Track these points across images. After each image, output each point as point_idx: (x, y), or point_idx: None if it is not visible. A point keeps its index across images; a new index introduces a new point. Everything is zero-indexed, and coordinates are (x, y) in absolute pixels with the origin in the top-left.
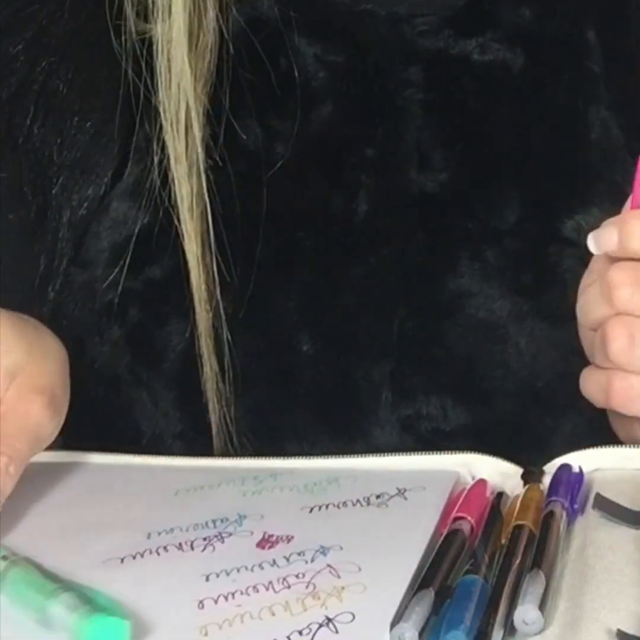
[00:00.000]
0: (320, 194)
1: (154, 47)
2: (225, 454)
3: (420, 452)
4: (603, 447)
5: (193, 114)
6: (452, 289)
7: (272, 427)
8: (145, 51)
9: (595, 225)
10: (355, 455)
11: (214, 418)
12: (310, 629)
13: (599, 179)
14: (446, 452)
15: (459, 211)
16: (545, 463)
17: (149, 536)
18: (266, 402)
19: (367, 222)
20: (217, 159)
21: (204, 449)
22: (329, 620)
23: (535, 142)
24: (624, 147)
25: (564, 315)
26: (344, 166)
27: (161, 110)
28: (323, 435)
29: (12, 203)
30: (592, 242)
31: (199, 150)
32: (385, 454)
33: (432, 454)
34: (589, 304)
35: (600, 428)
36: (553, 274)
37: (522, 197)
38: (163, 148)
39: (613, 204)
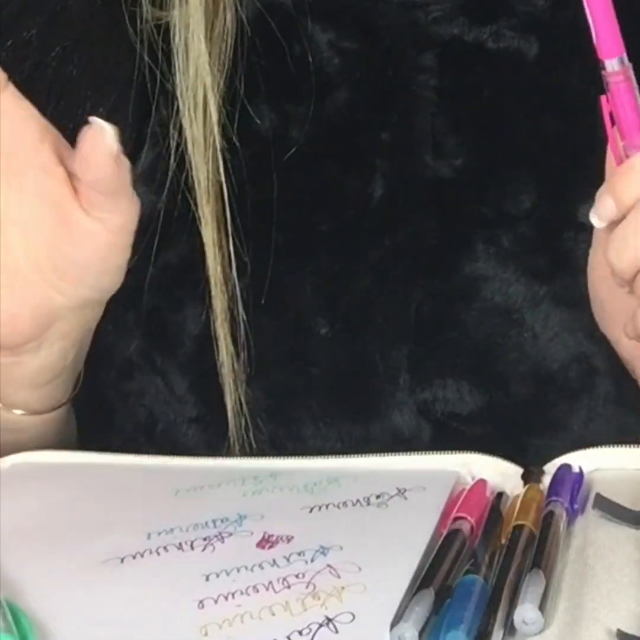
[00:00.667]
0: (335, 178)
1: (171, 32)
2: (240, 437)
3: (420, 452)
4: (603, 447)
5: (210, 97)
6: (468, 273)
7: (288, 410)
8: (160, 37)
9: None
10: (355, 455)
11: (229, 402)
12: (310, 629)
13: None
14: (446, 452)
15: (474, 196)
16: (560, 446)
17: (149, 536)
18: (283, 385)
19: (382, 206)
20: (236, 141)
21: (220, 434)
22: (329, 620)
23: (549, 128)
24: None
25: (578, 300)
26: (358, 150)
27: (178, 93)
28: (340, 418)
29: None
30: (595, 218)
31: (216, 133)
32: (385, 454)
33: (432, 454)
34: (620, 250)
35: (615, 411)
36: (568, 259)
37: (537, 183)
38: (180, 132)
39: None
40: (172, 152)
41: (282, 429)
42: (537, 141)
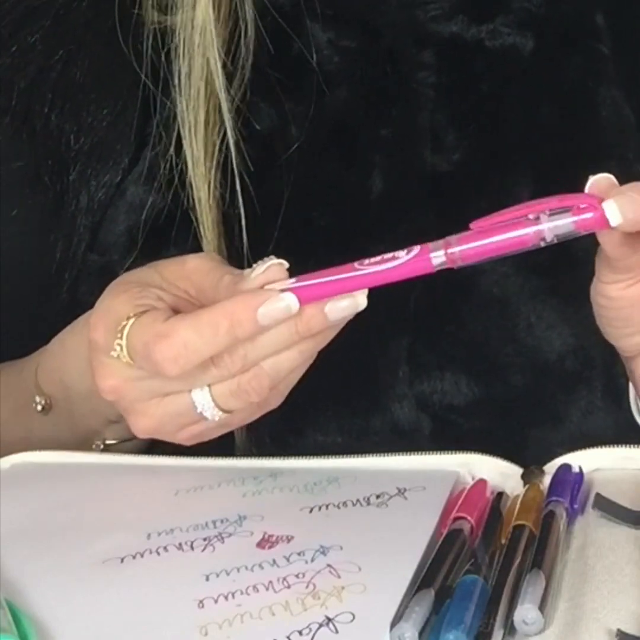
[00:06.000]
0: (335, 174)
1: (173, 48)
2: (240, 431)
3: (420, 452)
4: (603, 447)
5: (211, 119)
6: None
7: (288, 403)
8: (160, 40)
9: None
10: (355, 455)
11: None
12: (310, 629)
13: (611, 156)
14: (446, 452)
15: (472, 190)
16: (560, 438)
17: (149, 536)
18: None
19: (381, 201)
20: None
21: None
22: (329, 620)
23: (547, 121)
24: (636, 126)
25: (576, 292)
26: (358, 146)
27: (179, 115)
28: (340, 411)
29: (30, 190)
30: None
31: (217, 150)
32: (385, 454)
33: (432, 454)
34: None
35: (613, 403)
36: (565, 252)
37: (535, 176)
38: (179, 134)
39: (625, 182)
40: (174, 154)
41: (282, 422)
42: (534, 134)
